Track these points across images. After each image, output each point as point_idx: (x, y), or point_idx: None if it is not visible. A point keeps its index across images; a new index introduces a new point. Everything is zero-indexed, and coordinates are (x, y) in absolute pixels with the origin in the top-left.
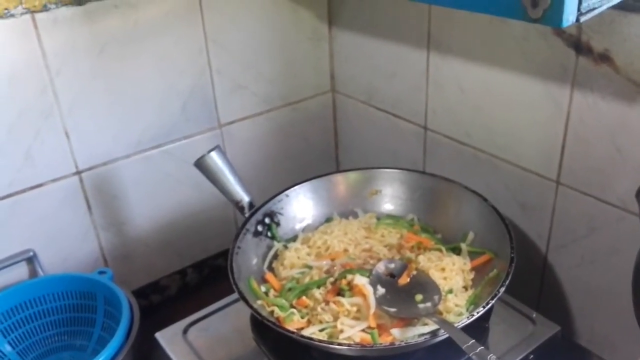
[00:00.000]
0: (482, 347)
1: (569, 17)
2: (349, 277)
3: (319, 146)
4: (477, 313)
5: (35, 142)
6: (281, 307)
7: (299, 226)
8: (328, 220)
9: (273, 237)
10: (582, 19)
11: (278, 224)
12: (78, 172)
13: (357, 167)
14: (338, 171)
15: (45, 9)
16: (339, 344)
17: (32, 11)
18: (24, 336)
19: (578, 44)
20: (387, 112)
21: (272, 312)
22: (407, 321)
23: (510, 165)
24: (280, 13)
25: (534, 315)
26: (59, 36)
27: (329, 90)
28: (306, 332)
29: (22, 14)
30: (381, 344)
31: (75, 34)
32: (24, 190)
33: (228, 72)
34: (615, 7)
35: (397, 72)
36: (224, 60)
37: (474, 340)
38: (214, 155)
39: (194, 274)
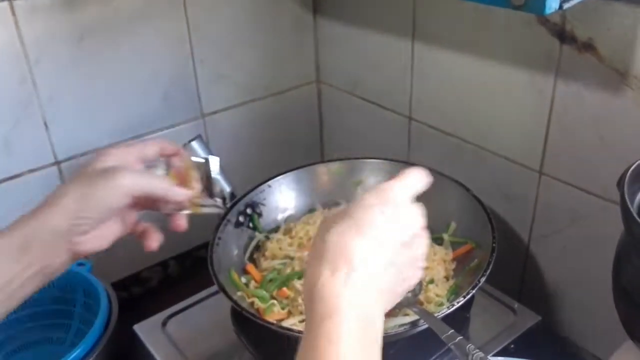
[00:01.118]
0: (461, 337)
1: (552, 4)
2: None
3: (303, 137)
4: (457, 303)
5: (13, 132)
6: (261, 299)
7: (281, 217)
8: (311, 211)
9: (255, 228)
10: (565, 6)
11: (260, 215)
12: (57, 163)
13: (342, 157)
14: (321, 161)
15: None
16: None
17: None
18: (0, 330)
19: (562, 33)
20: (372, 102)
21: (252, 304)
22: (389, 311)
23: (494, 156)
24: (264, 2)
25: (516, 306)
26: (38, 24)
27: (314, 80)
28: (286, 323)
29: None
30: None
31: (54, 22)
32: (1, 181)
33: (211, 61)
34: None
35: (382, 62)
36: (206, 49)
37: (453, 330)
38: (195, 145)
39: (176, 266)
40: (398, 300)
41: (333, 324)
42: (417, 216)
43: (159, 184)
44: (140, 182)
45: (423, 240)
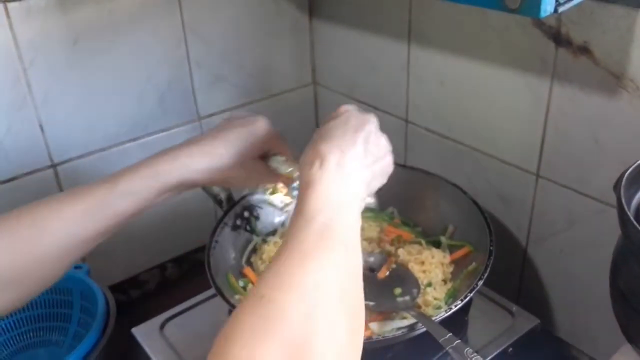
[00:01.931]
0: (459, 340)
1: (547, 7)
2: None
3: (300, 139)
4: (455, 306)
5: (8, 134)
6: None
7: (278, 220)
8: None
9: (252, 231)
10: (560, 9)
11: (257, 218)
12: (53, 165)
13: None
14: None
15: None
16: None
17: (4, 1)
18: None
19: (557, 36)
20: (369, 104)
21: None
22: (386, 315)
23: (490, 158)
24: (260, 4)
25: (514, 309)
26: (33, 26)
27: (310, 82)
28: None
29: None
30: None
31: (49, 24)
32: None
33: (207, 63)
34: None
35: (378, 65)
36: (203, 51)
37: (450, 334)
38: None
39: (174, 269)
40: (380, 179)
41: (309, 191)
42: (368, 117)
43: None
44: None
45: (381, 135)
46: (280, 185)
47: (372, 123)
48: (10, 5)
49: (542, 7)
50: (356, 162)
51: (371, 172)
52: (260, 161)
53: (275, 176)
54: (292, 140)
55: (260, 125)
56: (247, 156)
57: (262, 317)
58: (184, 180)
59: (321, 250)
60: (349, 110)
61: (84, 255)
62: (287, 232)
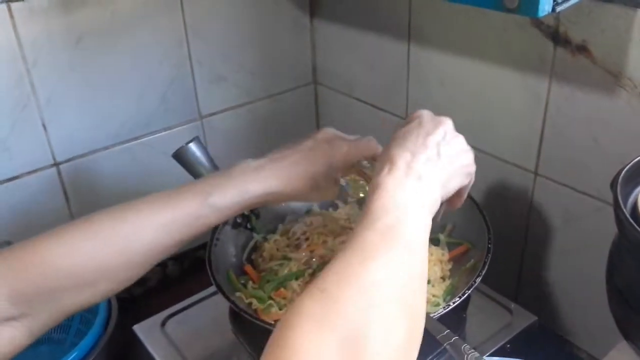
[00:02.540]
0: (457, 337)
1: (545, 7)
2: None
3: (300, 138)
4: (453, 303)
5: (11, 133)
6: (259, 299)
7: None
8: (308, 212)
9: (252, 229)
10: (558, 9)
11: (258, 216)
12: (56, 164)
13: None
14: None
15: None
16: None
17: (7, 1)
18: None
19: (556, 35)
20: (369, 104)
21: (250, 304)
22: None
23: (489, 157)
24: (261, 3)
25: (512, 306)
26: (36, 26)
27: (311, 82)
28: None
29: None
30: None
31: (51, 24)
32: (0, 182)
33: (208, 63)
34: None
35: (379, 64)
36: (204, 51)
37: (448, 331)
38: (193, 146)
39: (175, 266)
40: (458, 179)
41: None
42: (442, 119)
43: (370, 145)
44: (356, 151)
45: (456, 136)
46: None
47: (446, 125)
48: (13, 5)
49: (540, 6)
50: (429, 165)
51: (446, 173)
52: (335, 185)
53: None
54: (292, 138)
55: (340, 154)
56: (325, 180)
57: (321, 309)
58: (264, 201)
59: (383, 250)
60: (423, 114)
61: (168, 256)
62: (351, 233)
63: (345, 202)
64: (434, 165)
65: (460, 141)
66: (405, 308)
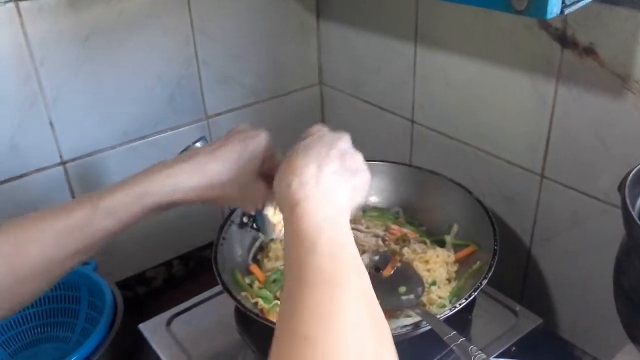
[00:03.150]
0: (463, 339)
1: (553, 8)
2: None
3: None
4: (459, 305)
5: (19, 131)
6: (265, 299)
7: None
8: None
9: (258, 229)
10: (567, 11)
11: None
12: (63, 163)
13: None
14: None
15: None
16: None
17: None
18: (6, 328)
19: (563, 38)
20: (375, 105)
21: (256, 304)
22: (391, 313)
23: (495, 159)
24: (268, 4)
25: (518, 308)
26: (44, 25)
27: (317, 82)
28: None
29: (6, 2)
30: None
31: (59, 23)
32: (7, 180)
33: (215, 63)
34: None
35: (385, 65)
36: (211, 51)
37: (455, 332)
38: (199, 145)
39: (180, 266)
40: (360, 195)
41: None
42: (341, 135)
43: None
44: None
45: (356, 152)
46: None
47: (345, 140)
48: (21, 4)
49: (549, 8)
50: (334, 177)
51: (352, 185)
52: (260, 181)
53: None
54: (298, 139)
55: (259, 141)
56: (243, 174)
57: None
58: (173, 200)
59: (342, 274)
60: (322, 129)
61: (66, 272)
62: (290, 257)
63: None
64: (340, 177)
65: (359, 158)
66: (373, 324)
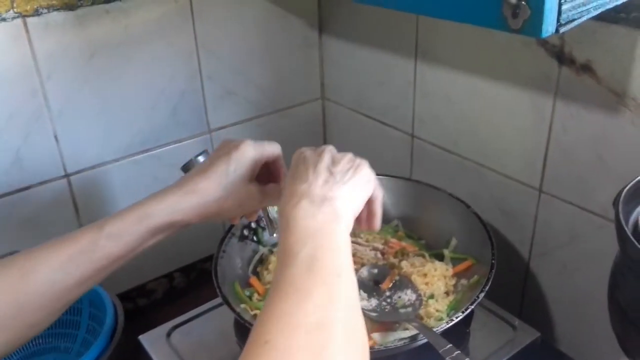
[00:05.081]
0: (459, 352)
1: (548, 28)
2: None
3: None
4: (456, 318)
5: (24, 144)
6: None
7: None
8: None
9: (259, 242)
10: (562, 30)
11: (264, 229)
12: (67, 175)
13: None
14: None
15: (36, 13)
16: None
17: (23, 15)
18: None
19: (561, 55)
20: (376, 119)
21: (255, 316)
22: (389, 325)
23: (494, 173)
24: (271, 20)
25: (516, 322)
26: (51, 40)
27: (319, 97)
28: None
29: (13, 18)
30: None
31: (66, 39)
32: (11, 192)
33: (218, 77)
34: (597, 18)
35: (386, 81)
36: (214, 66)
37: (451, 345)
38: (202, 159)
39: (181, 278)
40: (361, 190)
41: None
42: (323, 147)
43: (273, 148)
44: (260, 149)
45: (344, 155)
46: None
47: (329, 150)
48: (29, 20)
49: (544, 27)
50: (326, 187)
51: (349, 187)
52: (253, 185)
53: (274, 199)
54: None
55: (243, 150)
56: (234, 184)
57: None
58: (174, 222)
59: (314, 285)
60: (303, 150)
61: (70, 302)
62: (275, 272)
63: None
64: (332, 185)
65: (349, 158)
66: (351, 343)
